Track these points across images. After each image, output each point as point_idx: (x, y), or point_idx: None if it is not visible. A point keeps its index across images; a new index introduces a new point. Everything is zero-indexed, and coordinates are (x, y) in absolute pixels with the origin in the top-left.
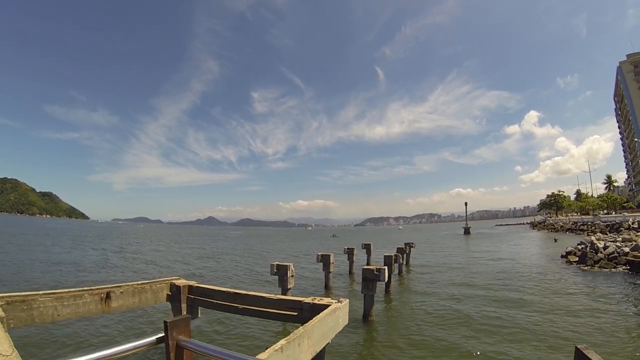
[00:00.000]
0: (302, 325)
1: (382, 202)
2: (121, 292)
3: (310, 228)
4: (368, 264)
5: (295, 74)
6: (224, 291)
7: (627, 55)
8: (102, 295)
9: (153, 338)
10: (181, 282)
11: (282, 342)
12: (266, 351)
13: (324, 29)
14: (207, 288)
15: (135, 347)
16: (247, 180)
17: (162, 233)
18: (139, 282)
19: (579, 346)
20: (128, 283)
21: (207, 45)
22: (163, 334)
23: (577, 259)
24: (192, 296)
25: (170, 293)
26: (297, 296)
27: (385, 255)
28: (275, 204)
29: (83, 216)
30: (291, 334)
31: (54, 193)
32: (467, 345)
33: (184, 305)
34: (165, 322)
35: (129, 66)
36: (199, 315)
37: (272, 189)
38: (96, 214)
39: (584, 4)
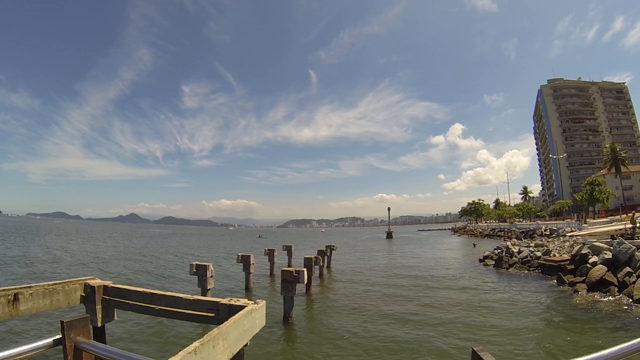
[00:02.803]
0: (218, 326)
1: (305, 204)
2: (30, 294)
3: (232, 228)
4: (289, 266)
5: (228, 70)
6: (141, 292)
7: (548, 80)
8: (9, 297)
9: (49, 340)
10: (96, 282)
11: (196, 344)
12: (179, 354)
13: (262, 27)
14: (123, 288)
15: (29, 351)
16: (172, 176)
17: (81, 230)
18: (50, 283)
19: (475, 348)
20: (38, 284)
21: (141, 32)
22: (60, 336)
23: (493, 262)
24: (107, 297)
25: (84, 294)
26: (215, 297)
27: (305, 258)
28: (198, 203)
29: None
30: (205, 336)
31: None
32: (382, 344)
33: (98, 307)
34: (62, 323)
35: (55, 47)
36: (115, 318)
37: (196, 187)
38: (8, 207)
39: (515, 30)
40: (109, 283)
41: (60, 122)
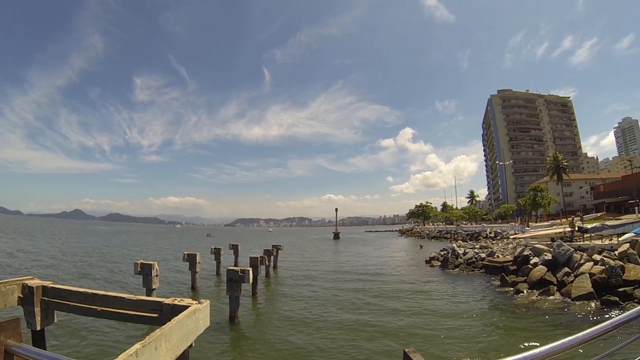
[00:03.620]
0: (160, 327)
1: (253, 203)
2: None
3: (179, 226)
4: (235, 265)
5: (182, 64)
6: (82, 292)
7: (498, 90)
8: None
9: None
10: (34, 282)
11: (137, 346)
12: (119, 357)
13: (219, 22)
14: (63, 289)
15: None
16: (119, 171)
17: (21, 226)
18: None
19: (406, 349)
20: None
21: (95, 18)
22: None
23: (439, 263)
24: (46, 298)
25: (22, 295)
26: (159, 297)
27: (251, 257)
28: (146, 199)
29: None
30: (147, 337)
31: None
32: (327, 345)
33: (37, 309)
34: None
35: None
36: (55, 320)
37: (144, 183)
38: None
39: (470, 41)
40: (48, 283)
41: (2, 109)
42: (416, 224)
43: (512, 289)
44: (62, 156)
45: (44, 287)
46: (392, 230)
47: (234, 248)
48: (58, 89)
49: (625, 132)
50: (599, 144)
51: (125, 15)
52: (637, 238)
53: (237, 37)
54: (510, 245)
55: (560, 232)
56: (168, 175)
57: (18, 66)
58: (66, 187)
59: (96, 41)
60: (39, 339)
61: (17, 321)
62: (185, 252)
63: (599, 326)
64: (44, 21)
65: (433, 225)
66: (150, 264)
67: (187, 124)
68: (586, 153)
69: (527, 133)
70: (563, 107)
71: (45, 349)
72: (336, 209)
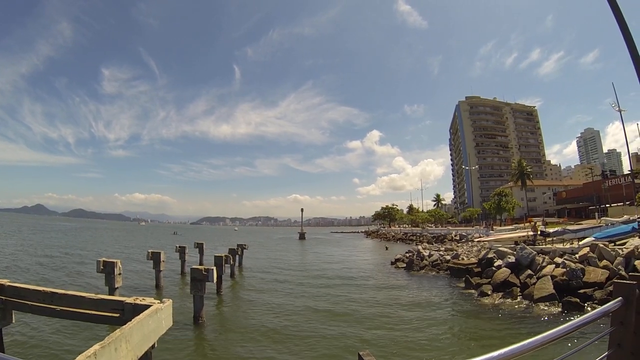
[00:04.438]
0: (120, 327)
1: (219, 201)
2: None
3: (143, 223)
4: (200, 264)
5: (152, 57)
6: (41, 291)
7: (466, 97)
8: None
9: None
10: None
11: (96, 347)
12: (77, 358)
13: (193, 16)
14: (21, 288)
15: None
16: (84, 165)
17: None
18: None
19: (361, 352)
20: None
21: (64, 4)
22: None
23: (404, 265)
24: (4, 297)
25: None
26: (123, 296)
27: (215, 256)
28: (111, 195)
29: None
30: (106, 338)
31: None
32: (288, 345)
33: None
34: None
35: None
36: (13, 321)
37: (109, 178)
38: None
39: (441, 47)
40: (5, 282)
41: None
42: (382, 225)
43: (476, 290)
44: (24, 147)
45: (1, 286)
46: (358, 232)
47: (199, 247)
48: (22, 76)
49: (587, 142)
50: (562, 152)
51: (97, 3)
52: (596, 242)
53: (210, 32)
54: (475, 248)
55: (523, 236)
56: (134, 171)
57: None
58: (28, 181)
59: (64, 28)
60: None
61: None
62: (149, 250)
63: (560, 327)
64: (10, 4)
65: (399, 227)
66: (113, 262)
67: (155, 119)
68: (550, 160)
69: (493, 139)
70: (528, 116)
71: (3, 351)
72: (302, 209)
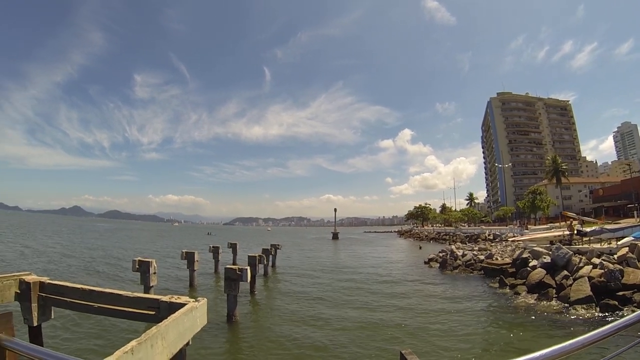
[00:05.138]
0: (156, 325)
1: (251, 202)
2: None
3: (177, 224)
4: (233, 264)
5: (182, 62)
6: (79, 288)
7: (497, 93)
8: None
9: None
10: (32, 278)
11: (133, 343)
12: (115, 354)
13: (220, 20)
14: (60, 285)
15: None
16: (119, 169)
17: (19, 222)
18: None
19: (403, 351)
20: None
21: (94, 14)
22: None
23: (438, 264)
24: (43, 294)
25: (19, 291)
26: (158, 295)
27: (249, 256)
28: (145, 197)
29: None
30: (143, 335)
31: None
32: (323, 344)
33: (34, 305)
34: None
35: None
36: (52, 316)
37: (143, 181)
38: None
39: (470, 43)
40: (45, 279)
41: (1, 104)
42: (415, 225)
43: (510, 291)
44: (61, 152)
45: (41, 283)
46: (391, 231)
47: (232, 247)
48: (58, 84)
49: (624, 137)
50: (598, 148)
51: (126, 11)
52: (636, 242)
53: (239, 35)
54: (509, 248)
55: (559, 235)
56: (167, 173)
57: (17, 61)
58: (65, 184)
59: (96, 37)
60: (36, 335)
61: (9, 315)
62: (183, 250)
63: (598, 330)
64: (43, 16)
65: (432, 226)
66: (149, 262)
67: (187, 122)
68: (585, 157)
69: (526, 136)
70: (562, 111)
71: (42, 345)
72: (335, 209)
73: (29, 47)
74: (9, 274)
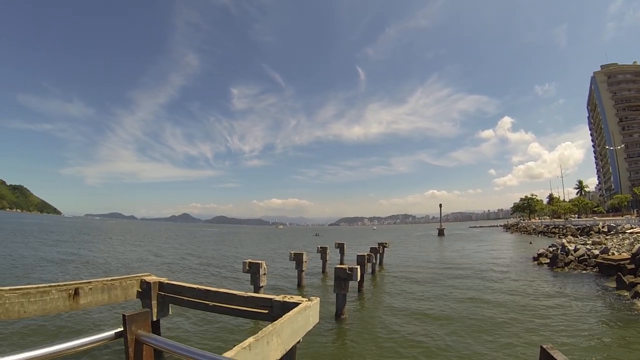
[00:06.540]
0: (272, 323)
1: (355, 202)
2: (90, 289)
3: (281, 227)
4: (341, 263)
5: (276, 71)
6: (195, 288)
7: (601, 66)
8: (70, 291)
9: (111, 332)
10: (152, 278)
11: (251, 339)
12: (234, 349)
13: (307, 26)
14: (178, 285)
15: (93, 342)
16: (223, 177)
17: (136, 229)
18: (109, 279)
19: (544, 346)
20: (97, 279)
21: (187, 38)
22: (122, 329)
23: (548, 260)
24: (162, 293)
25: (140, 290)
26: (268, 294)
27: (358, 255)
28: (249, 202)
29: (55, 211)
30: (260, 332)
31: (24, 186)
32: (437, 343)
33: (154, 302)
34: (123, 316)
35: (106, 57)
36: (170, 313)
37: (247, 187)
38: (68, 209)
39: (564, 15)
40: (164, 279)
41: (114, 129)
42: (521, 218)
43: (629, 292)
44: (169, 166)
45: (160, 283)
46: (497, 225)
47: (340, 247)
48: (161, 106)
49: None
50: None
51: (215, 32)
52: None
53: (327, 39)
54: (627, 241)
55: None
56: (270, 178)
57: (124, 89)
58: (174, 193)
59: (191, 59)
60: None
61: (147, 314)
62: (292, 252)
63: None
64: (142, 46)
65: (539, 219)
66: (258, 263)
67: (287, 127)
68: None
69: (639, 111)
70: None
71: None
72: (440, 205)
73: (133, 75)
74: (132, 275)
